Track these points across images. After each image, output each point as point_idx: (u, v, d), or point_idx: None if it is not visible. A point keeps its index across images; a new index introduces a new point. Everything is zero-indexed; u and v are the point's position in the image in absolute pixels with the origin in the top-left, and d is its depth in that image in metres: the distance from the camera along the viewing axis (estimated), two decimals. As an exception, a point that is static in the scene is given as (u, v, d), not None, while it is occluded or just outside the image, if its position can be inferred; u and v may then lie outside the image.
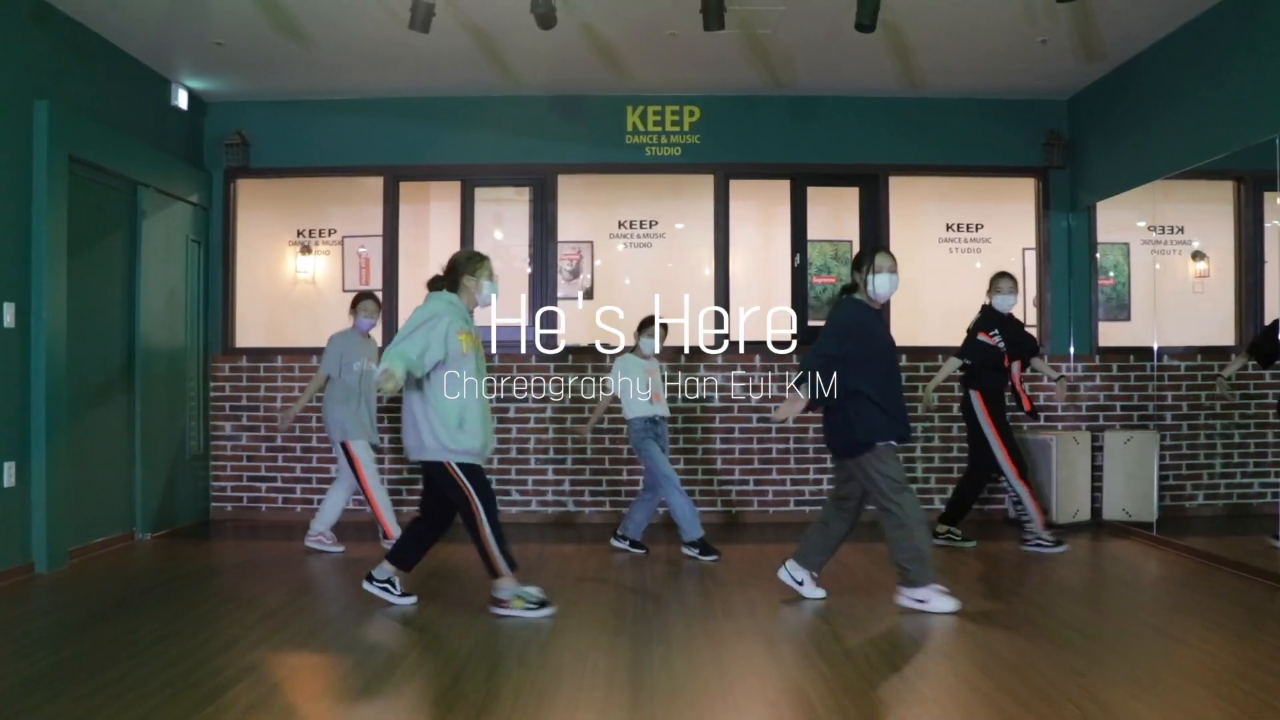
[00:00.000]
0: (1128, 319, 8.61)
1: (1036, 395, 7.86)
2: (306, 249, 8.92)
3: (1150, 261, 8.60)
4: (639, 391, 6.39)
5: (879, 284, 4.98)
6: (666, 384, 6.75)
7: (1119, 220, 8.20)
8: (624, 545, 6.57)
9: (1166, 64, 6.86)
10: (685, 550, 6.39)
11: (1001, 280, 6.74)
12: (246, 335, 8.32)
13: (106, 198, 6.80)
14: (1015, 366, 6.74)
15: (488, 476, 5.01)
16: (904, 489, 4.91)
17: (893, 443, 4.96)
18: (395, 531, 6.33)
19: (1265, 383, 7.82)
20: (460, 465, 4.83)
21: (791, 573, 5.22)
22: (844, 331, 4.99)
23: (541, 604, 4.90)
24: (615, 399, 6.53)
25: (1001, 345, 6.59)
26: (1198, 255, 8.41)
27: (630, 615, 4.93)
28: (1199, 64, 6.48)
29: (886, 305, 5.41)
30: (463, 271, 4.99)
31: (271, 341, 8.24)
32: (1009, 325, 6.73)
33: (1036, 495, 6.70)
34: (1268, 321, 7.48)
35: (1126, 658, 4.16)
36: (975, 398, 6.64)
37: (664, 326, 6.57)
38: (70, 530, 6.18)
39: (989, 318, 6.70)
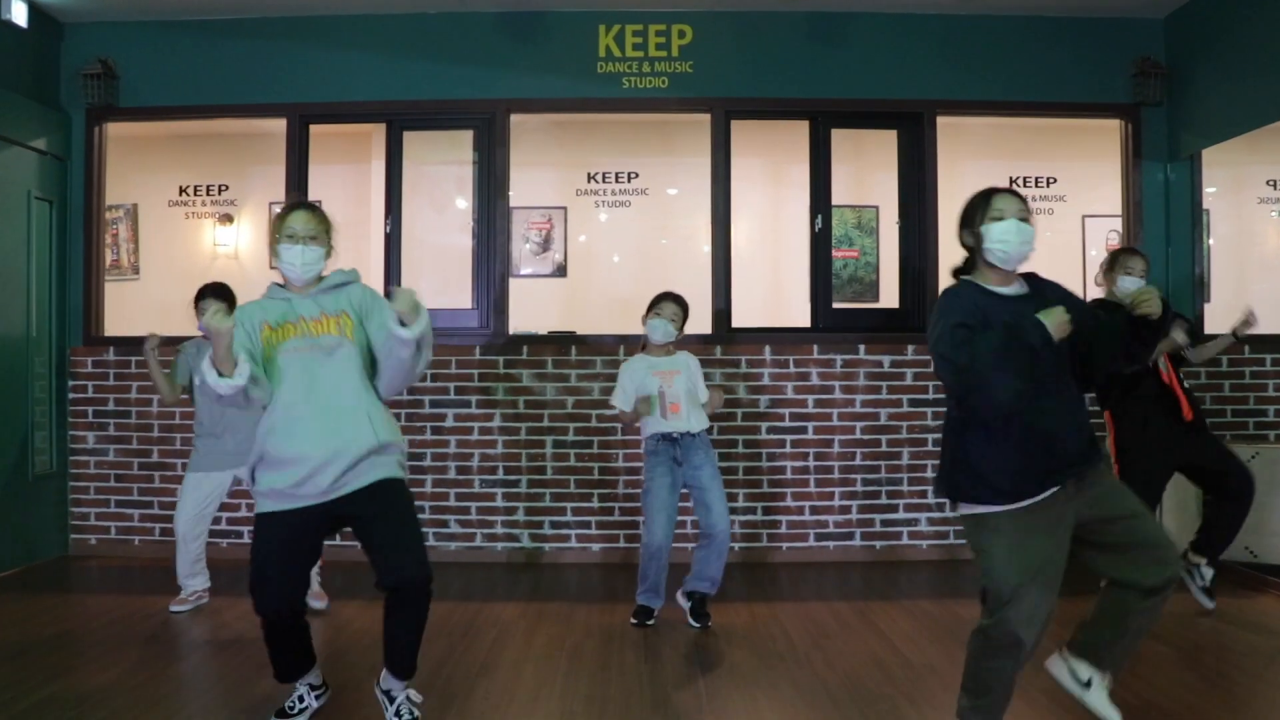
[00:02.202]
0: (1207, 299, 6.93)
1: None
2: (227, 219, 7.60)
3: (1252, 228, 6.99)
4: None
5: (995, 237, 2.97)
6: (702, 383, 4.83)
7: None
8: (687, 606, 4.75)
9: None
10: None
11: (1129, 258, 4.84)
12: (149, 322, 6.45)
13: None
14: (1163, 362, 4.83)
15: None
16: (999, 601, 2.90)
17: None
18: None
19: None
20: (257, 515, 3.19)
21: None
22: (953, 314, 2.96)
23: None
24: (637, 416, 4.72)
25: None
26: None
27: None
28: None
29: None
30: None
31: (186, 330, 6.28)
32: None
33: None
34: None
35: None
36: (1105, 417, 4.86)
37: (681, 303, 4.78)
38: None
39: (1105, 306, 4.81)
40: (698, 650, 4.30)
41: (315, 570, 4.88)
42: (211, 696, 3.72)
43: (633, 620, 4.67)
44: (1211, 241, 7.01)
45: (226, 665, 4.08)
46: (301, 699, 3.40)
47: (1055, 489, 2.85)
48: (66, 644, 4.40)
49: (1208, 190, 6.77)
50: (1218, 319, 6.24)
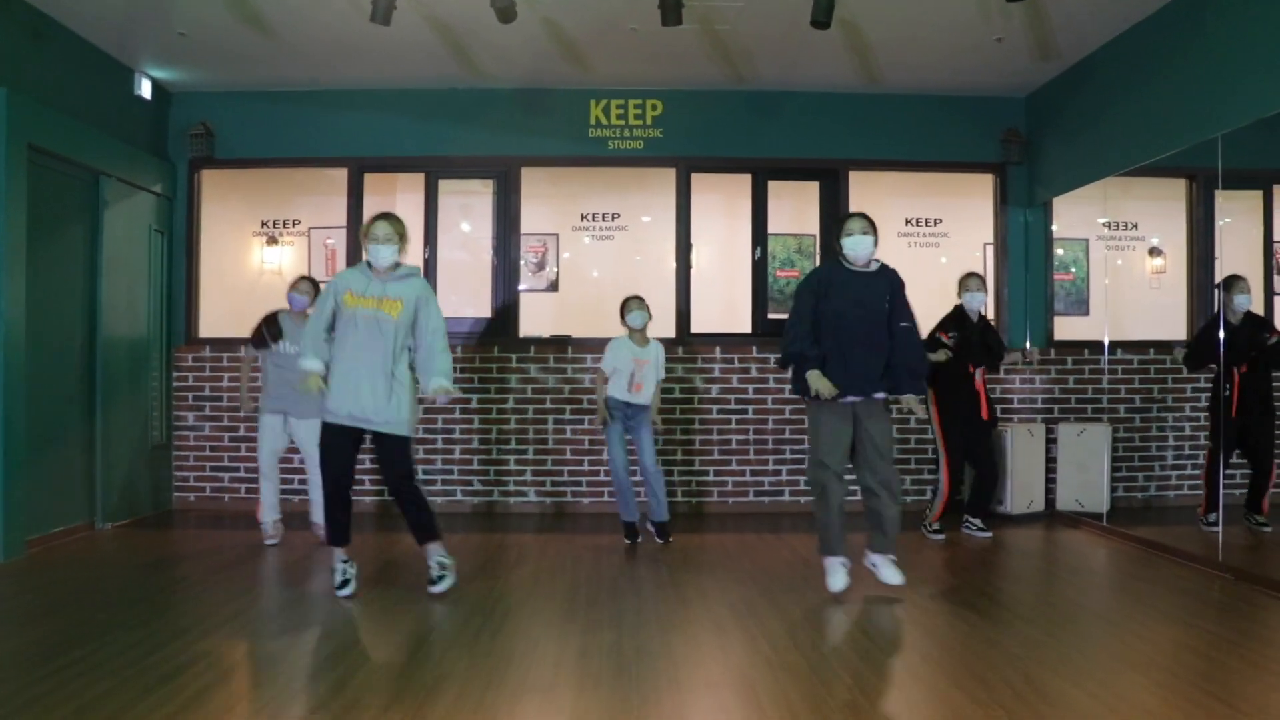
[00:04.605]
0: (1086, 314, 8.74)
1: (1009, 398, 8.02)
2: (273, 240, 8.94)
3: (1107, 257, 8.75)
4: (621, 376, 6.47)
5: (847, 246, 5.09)
6: (661, 376, 6.72)
7: (1078, 216, 8.33)
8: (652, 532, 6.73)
9: (1117, 63, 7.00)
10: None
11: (969, 279, 6.87)
12: (210, 326, 8.32)
13: (67, 187, 6.80)
14: (978, 373, 6.85)
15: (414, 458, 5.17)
16: (819, 462, 5.12)
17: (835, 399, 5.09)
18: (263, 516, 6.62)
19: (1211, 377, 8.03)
20: (323, 425, 5.09)
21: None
22: (805, 286, 5.21)
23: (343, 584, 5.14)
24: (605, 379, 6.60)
25: (952, 340, 6.72)
26: (1154, 251, 8.54)
27: (583, 601, 5.01)
28: (1148, 64, 6.63)
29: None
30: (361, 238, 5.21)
31: (236, 332, 8.18)
32: (976, 327, 6.84)
33: (951, 494, 6.86)
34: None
35: (1066, 643, 4.26)
36: (929, 394, 6.75)
37: (643, 300, 6.60)
38: (28, 520, 6.20)
39: (953, 318, 6.85)
40: (665, 558, 6.15)
41: None
42: (272, 586, 5.53)
43: (626, 540, 6.59)
44: (1118, 262, 8.78)
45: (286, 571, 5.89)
46: (343, 571, 5.16)
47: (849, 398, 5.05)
48: (207, 559, 6.23)
49: (1099, 220, 8.56)
50: (1098, 328, 8.06)
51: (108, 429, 7.17)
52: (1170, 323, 8.21)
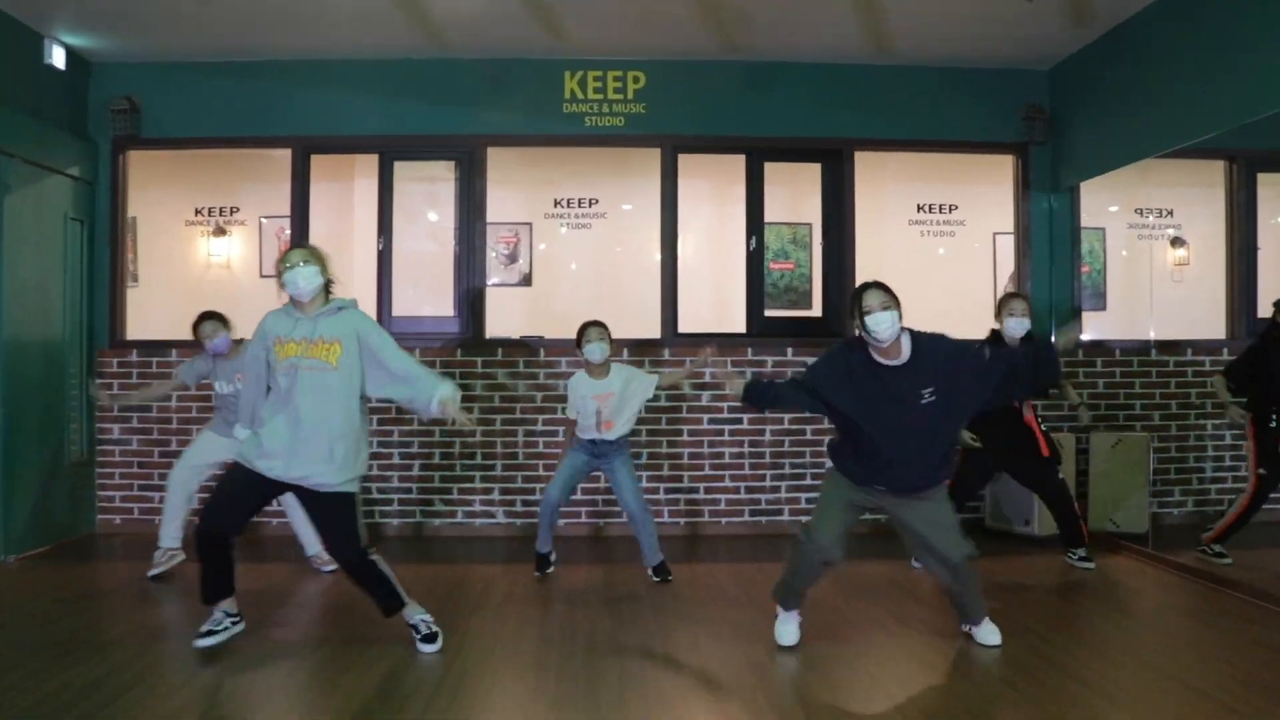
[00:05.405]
0: (1104, 308, 7.99)
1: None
2: (221, 230, 8.18)
3: (1134, 247, 8.00)
4: (585, 418, 5.58)
5: (870, 325, 4.11)
6: (648, 395, 5.72)
7: (1092, 203, 7.56)
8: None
9: (1164, 26, 6.14)
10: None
11: (1013, 302, 5.85)
12: (145, 327, 7.41)
13: (-42, 168, 5.87)
14: (1026, 407, 5.89)
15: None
16: (808, 529, 4.37)
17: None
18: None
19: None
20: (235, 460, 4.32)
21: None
22: (814, 372, 4.37)
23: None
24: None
25: None
26: (1177, 242, 7.78)
27: (554, 667, 4.16)
28: (1204, 25, 5.78)
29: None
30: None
31: (178, 334, 7.09)
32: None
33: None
34: (1261, 315, 6.92)
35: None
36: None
37: (603, 325, 5.64)
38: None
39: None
40: (650, 597, 5.29)
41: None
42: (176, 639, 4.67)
43: (536, 573, 5.77)
44: (1123, 253, 8.03)
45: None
46: (219, 621, 4.27)
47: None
48: (87, 602, 5.32)
49: (1111, 209, 7.81)
50: (1118, 324, 7.33)
51: (11, 444, 6.25)
52: (1194, 320, 7.48)
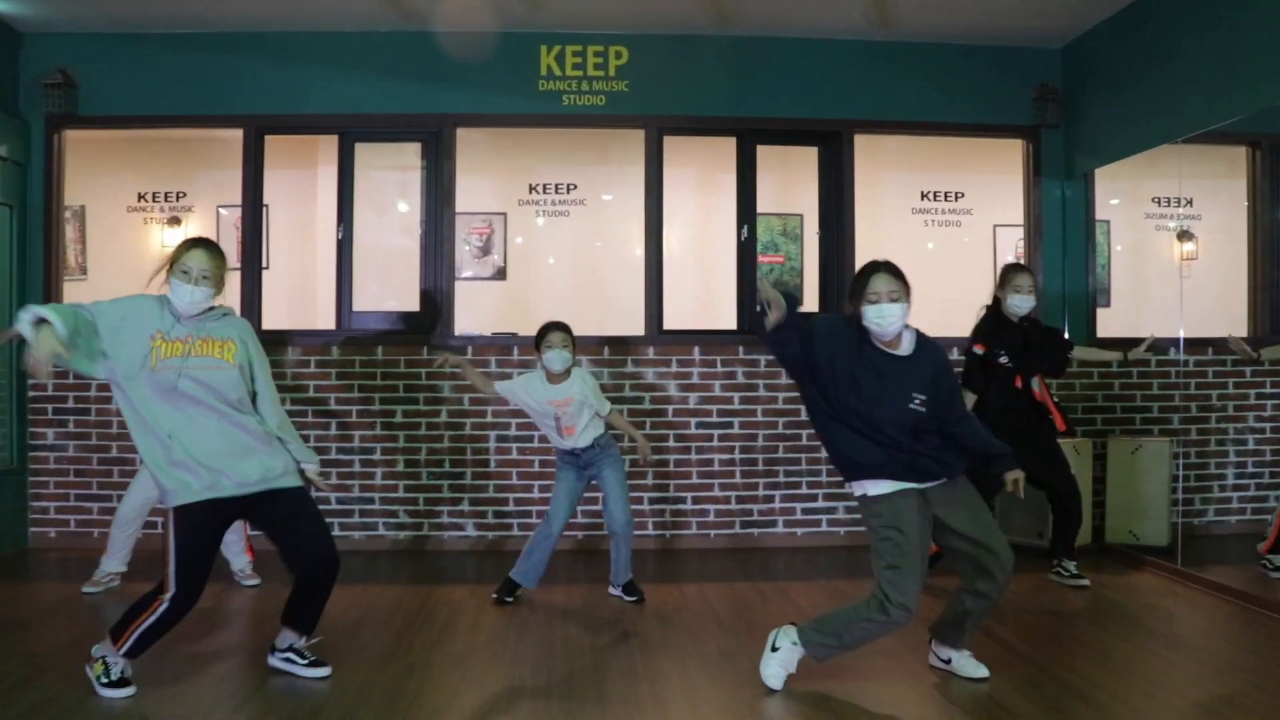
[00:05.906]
0: (1107, 304, 7.51)
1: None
2: (175, 220, 7.73)
3: (1149, 240, 7.53)
4: (546, 425, 5.09)
5: (871, 318, 3.59)
6: (604, 410, 5.12)
7: (1099, 194, 7.07)
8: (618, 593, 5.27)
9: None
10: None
11: (1017, 275, 5.35)
12: None
13: None
14: (1035, 382, 5.40)
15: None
16: (890, 599, 3.55)
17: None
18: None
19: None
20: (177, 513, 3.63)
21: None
22: (823, 326, 3.69)
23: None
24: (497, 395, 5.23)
25: (1005, 361, 5.30)
26: (1184, 235, 7.29)
27: (526, 712, 3.59)
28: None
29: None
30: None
31: None
32: (1019, 332, 5.36)
33: None
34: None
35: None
36: None
37: (566, 329, 5.06)
38: None
39: (991, 325, 5.36)
40: (634, 625, 4.74)
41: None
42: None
43: (494, 595, 5.15)
44: (1119, 248, 7.56)
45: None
46: (125, 668, 3.69)
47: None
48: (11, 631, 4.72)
49: (1111, 202, 7.33)
50: (1122, 321, 6.84)
51: (-74, 454, 5.65)
52: (1205, 317, 6.98)
